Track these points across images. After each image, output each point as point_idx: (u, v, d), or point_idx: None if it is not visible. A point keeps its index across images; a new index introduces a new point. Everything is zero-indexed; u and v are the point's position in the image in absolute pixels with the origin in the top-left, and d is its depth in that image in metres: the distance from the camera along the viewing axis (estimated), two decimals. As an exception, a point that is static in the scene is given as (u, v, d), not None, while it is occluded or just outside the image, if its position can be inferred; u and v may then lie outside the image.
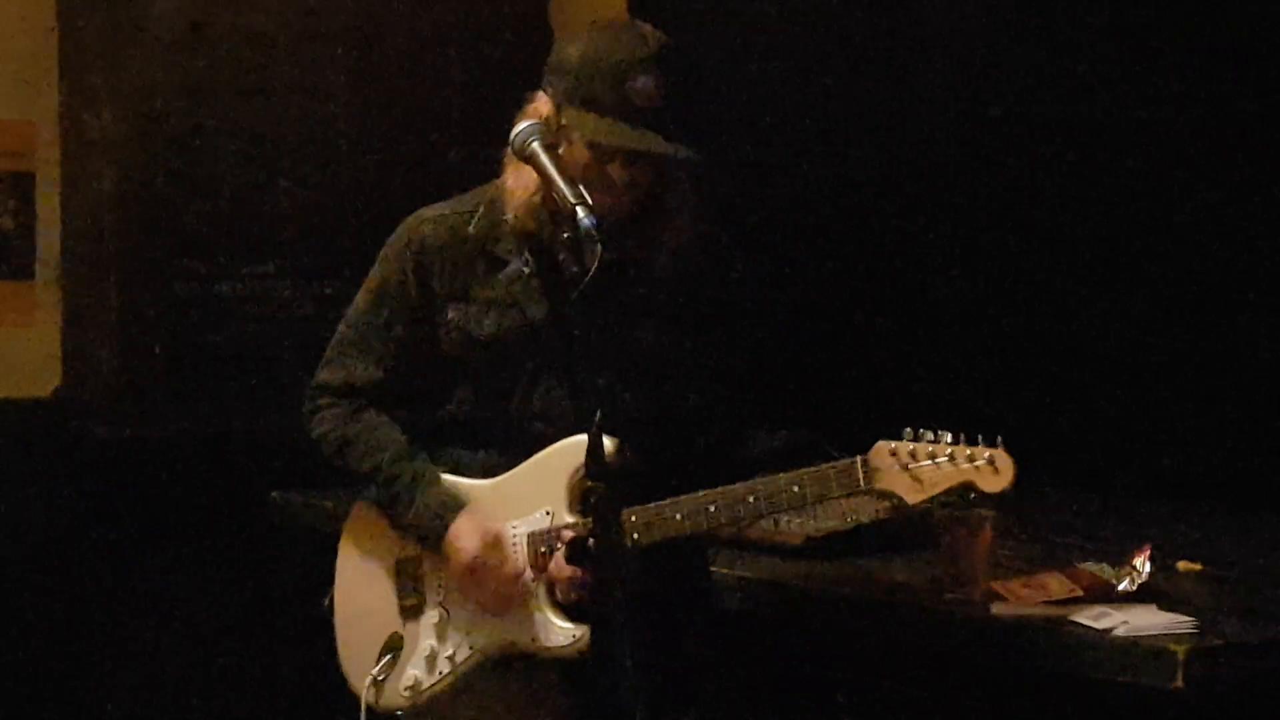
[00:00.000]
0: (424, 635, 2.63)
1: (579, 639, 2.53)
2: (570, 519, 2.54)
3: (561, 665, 2.59)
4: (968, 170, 3.97)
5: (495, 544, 2.56)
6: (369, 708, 2.64)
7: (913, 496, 2.47)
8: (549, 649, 2.55)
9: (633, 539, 2.47)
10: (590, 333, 2.30)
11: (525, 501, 2.57)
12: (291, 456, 4.19)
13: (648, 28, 2.57)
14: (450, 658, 2.62)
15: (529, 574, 2.55)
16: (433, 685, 2.63)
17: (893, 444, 2.48)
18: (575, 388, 2.53)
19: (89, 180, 4.58)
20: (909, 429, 2.49)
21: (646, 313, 2.58)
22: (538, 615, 2.55)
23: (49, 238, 4.60)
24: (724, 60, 4.53)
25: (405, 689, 2.64)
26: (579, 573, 2.49)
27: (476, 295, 2.61)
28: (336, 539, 2.80)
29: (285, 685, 4.33)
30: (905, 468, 2.46)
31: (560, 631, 2.54)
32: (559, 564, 2.51)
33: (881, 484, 2.48)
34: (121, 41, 4.54)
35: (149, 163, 4.59)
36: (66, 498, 4.38)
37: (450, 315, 2.63)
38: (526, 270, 2.58)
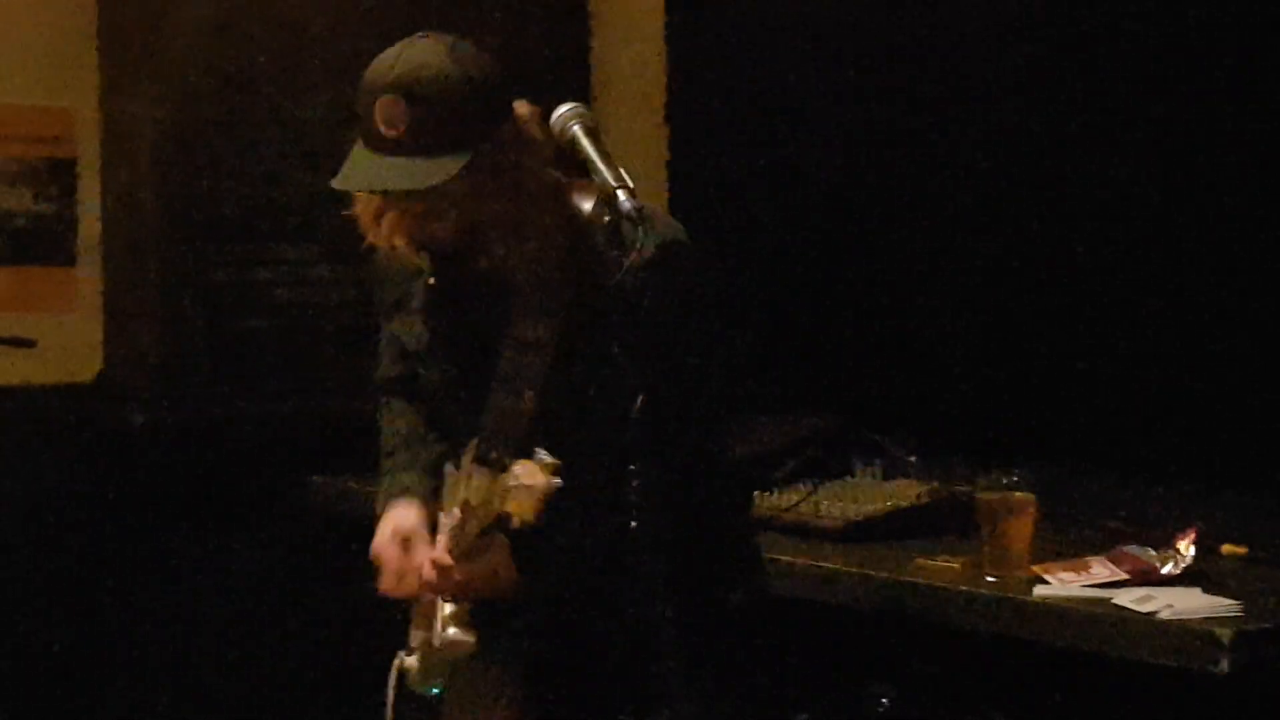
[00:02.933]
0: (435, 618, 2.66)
1: (451, 642, 2.52)
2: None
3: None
4: (1000, 152, 3.94)
5: (398, 539, 2.61)
6: (398, 678, 2.66)
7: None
8: (437, 650, 2.55)
9: None
10: (625, 320, 2.31)
11: (450, 498, 2.58)
12: (330, 440, 4.24)
13: (429, 44, 2.50)
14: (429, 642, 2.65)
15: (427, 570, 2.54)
16: (418, 668, 2.65)
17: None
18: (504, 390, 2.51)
19: (129, 166, 4.59)
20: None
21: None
22: (439, 615, 2.55)
23: (89, 224, 4.61)
24: (755, 55, 4.54)
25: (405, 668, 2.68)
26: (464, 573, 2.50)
27: (408, 305, 2.64)
28: (374, 523, 2.81)
29: (322, 670, 4.35)
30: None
31: (442, 636, 2.53)
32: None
33: None
34: (160, 28, 4.55)
35: (188, 148, 4.59)
36: (107, 482, 4.40)
37: (393, 324, 2.69)
38: (431, 281, 2.58)
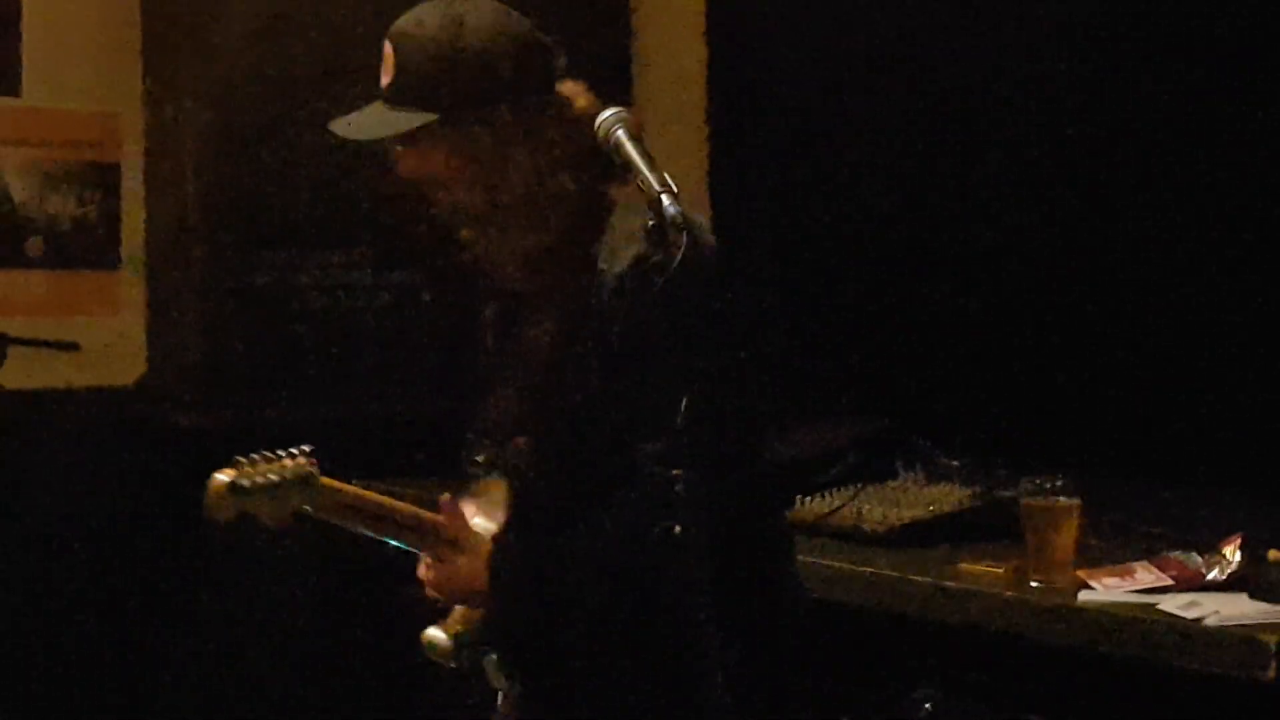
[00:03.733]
0: None
1: (427, 638, 2.54)
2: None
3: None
4: (1050, 157, 3.93)
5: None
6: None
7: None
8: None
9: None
10: (668, 329, 2.26)
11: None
12: (372, 444, 4.25)
13: (445, 5, 2.43)
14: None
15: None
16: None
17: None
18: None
19: (172, 170, 4.62)
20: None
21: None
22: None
23: (133, 227, 4.64)
24: (796, 58, 4.53)
25: None
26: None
27: None
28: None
29: (364, 670, 4.36)
30: None
31: (424, 634, 2.56)
32: None
33: None
34: (203, 33, 4.57)
35: (230, 152, 4.61)
36: (149, 484, 4.42)
37: None
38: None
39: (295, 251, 4.69)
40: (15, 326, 4.12)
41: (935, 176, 4.14)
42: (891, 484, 3.51)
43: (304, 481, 2.42)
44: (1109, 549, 2.99)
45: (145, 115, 4.64)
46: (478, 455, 2.60)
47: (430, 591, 2.55)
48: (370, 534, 2.55)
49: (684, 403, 2.18)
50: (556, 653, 2.45)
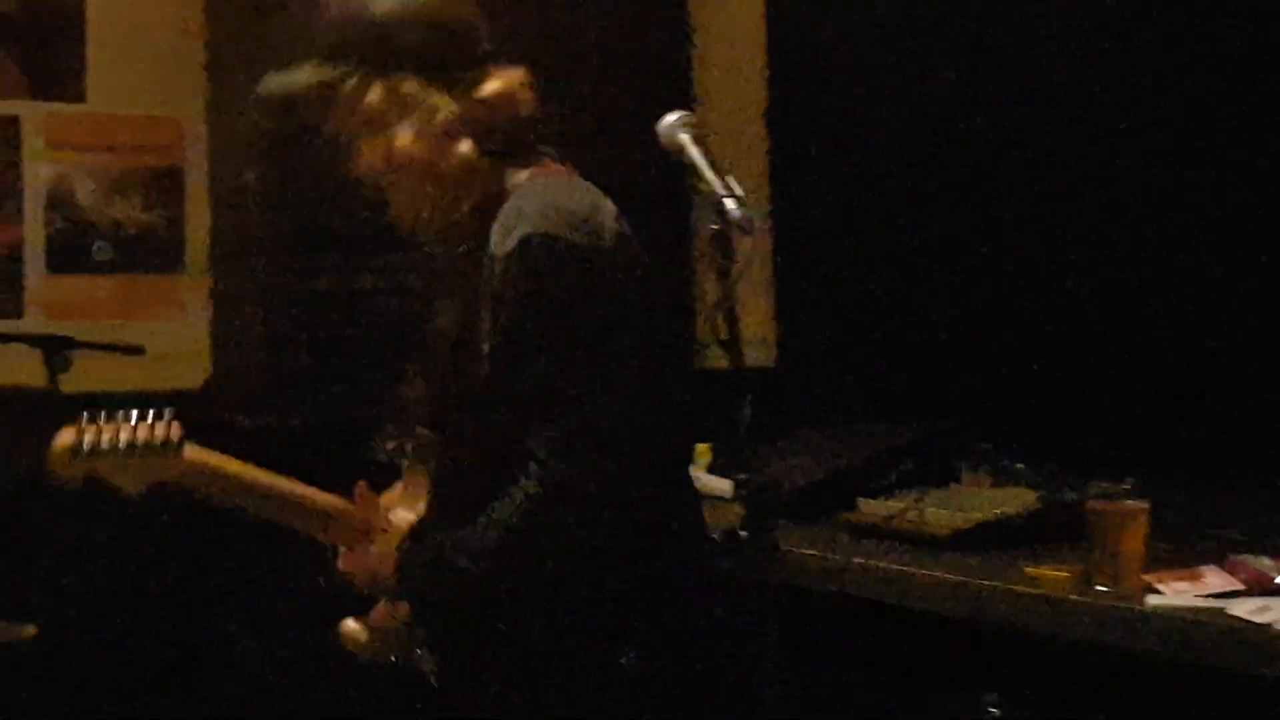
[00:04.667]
0: None
1: (343, 630, 2.60)
2: None
3: None
4: (1113, 158, 3.90)
5: None
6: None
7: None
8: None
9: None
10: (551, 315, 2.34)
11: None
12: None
13: None
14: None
15: None
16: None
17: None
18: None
19: (235, 175, 4.65)
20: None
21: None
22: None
23: (197, 232, 4.67)
24: (856, 57, 4.52)
25: None
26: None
27: None
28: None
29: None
30: None
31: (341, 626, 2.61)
32: None
33: None
34: (266, 37, 4.59)
35: (292, 157, 4.63)
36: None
37: None
38: None
39: (356, 255, 4.71)
40: (81, 330, 4.15)
41: (1001, 175, 4.11)
42: (955, 487, 3.50)
43: (162, 448, 2.42)
44: (1177, 552, 2.96)
45: (209, 120, 4.67)
46: (387, 443, 2.65)
47: (348, 581, 2.59)
48: (260, 515, 2.55)
49: (574, 387, 2.27)
50: (477, 642, 2.47)
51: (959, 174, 4.23)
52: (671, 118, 2.38)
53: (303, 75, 2.49)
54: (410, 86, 2.46)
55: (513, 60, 2.56)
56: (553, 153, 2.57)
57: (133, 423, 2.44)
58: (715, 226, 2.24)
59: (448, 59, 2.48)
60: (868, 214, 4.46)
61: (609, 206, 2.45)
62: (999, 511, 3.24)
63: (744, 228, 2.21)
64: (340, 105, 2.47)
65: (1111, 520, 2.80)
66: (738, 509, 3.52)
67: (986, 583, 2.90)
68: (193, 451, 2.52)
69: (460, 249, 2.53)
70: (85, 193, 4.54)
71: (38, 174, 4.50)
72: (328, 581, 2.65)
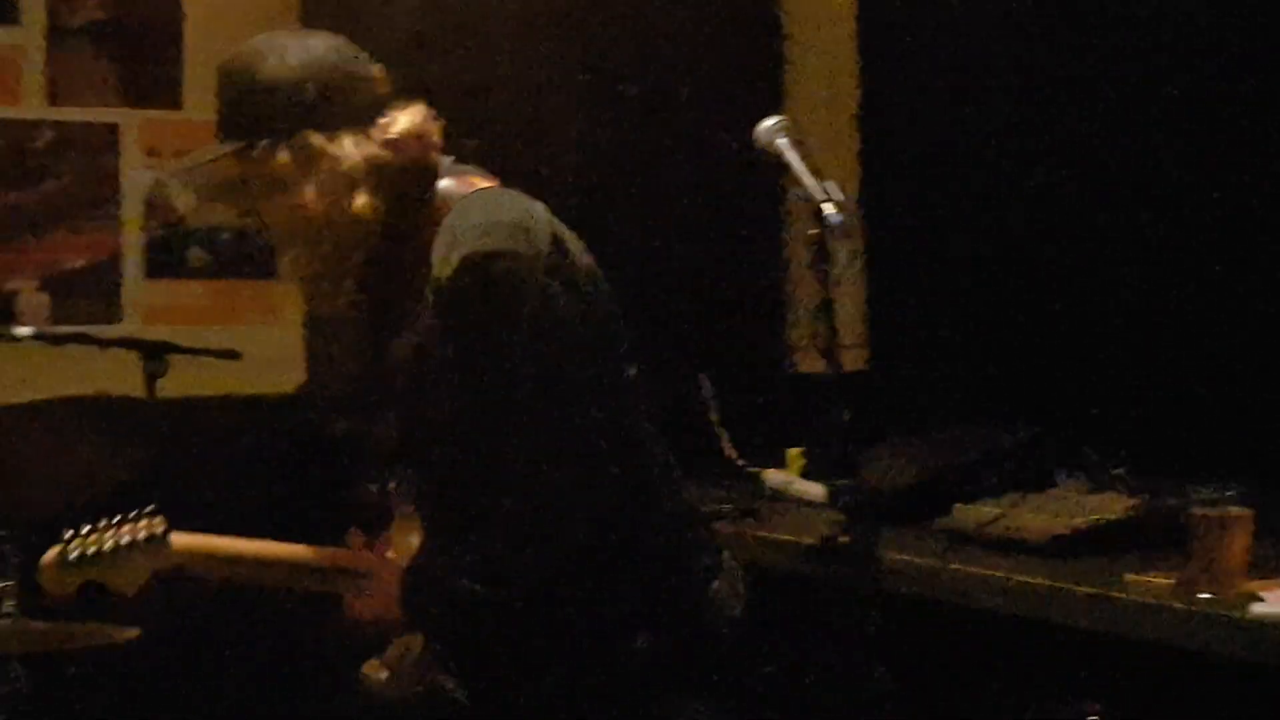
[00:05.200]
0: None
1: (362, 672, 2.60)
2: None
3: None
4: (1211, 159, 3.85)
5: None
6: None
7: None
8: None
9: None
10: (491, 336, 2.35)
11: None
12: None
13: (280, 37, 2.55)
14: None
15: None
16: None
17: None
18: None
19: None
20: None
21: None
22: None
23: (291, 236, 4.71)
24: (948, 58, 4.49)
25: None
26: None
27: None
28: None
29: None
30: None
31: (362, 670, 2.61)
32: None
33: None
34: (355, 43, 4.62)
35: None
36: (310, 490, 4.47)
37: None
38: None
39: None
40: (178, 335, 4.19)
41: (1097, 176, 4.07)
42: (1051, 492, 3.46)
43: (149, 541, 2.47)
44: (1281, 559, 2.92)
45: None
46: (371, 485, 2.66)
47: (358, 628, 2.60)
48: (259, 583, 2.58)
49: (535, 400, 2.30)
50: (494, 673, 2.51)
51: (1054, 173, 4.20)
52: (769, 122, 2.38)
53: (209, 153, 2.53)
54: (316, 139, 2.46)
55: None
56: (474, 170, 2.59)
57: (115, 525, 2.50)
58: (813, 231, 2.25)
59: (347, 106, 2.50)
60: (960, 215, 4.43)
61: (540, 209, 2.47)
62: (1097, 517, 3.21)
63: (843, 232, 2.21)
64: (250, 173, 2.49)
65: (1214, 527, 2.76)
66: (832, 514, 3.51)
67: (1087, 590, 2.87)
68: (180, 539, 2.59)
69: (347, 314, 2.59)
70: (182, 199, 4.59)
71: (135, 181, 4.55)
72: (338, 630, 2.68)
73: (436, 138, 2.55)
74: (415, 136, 2.52)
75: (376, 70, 2.56)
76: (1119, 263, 3.99)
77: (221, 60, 2.53)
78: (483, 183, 2.56)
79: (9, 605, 3.59)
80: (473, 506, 2.40)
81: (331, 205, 2.47)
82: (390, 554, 2.60)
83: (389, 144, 2.49)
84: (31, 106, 4.48)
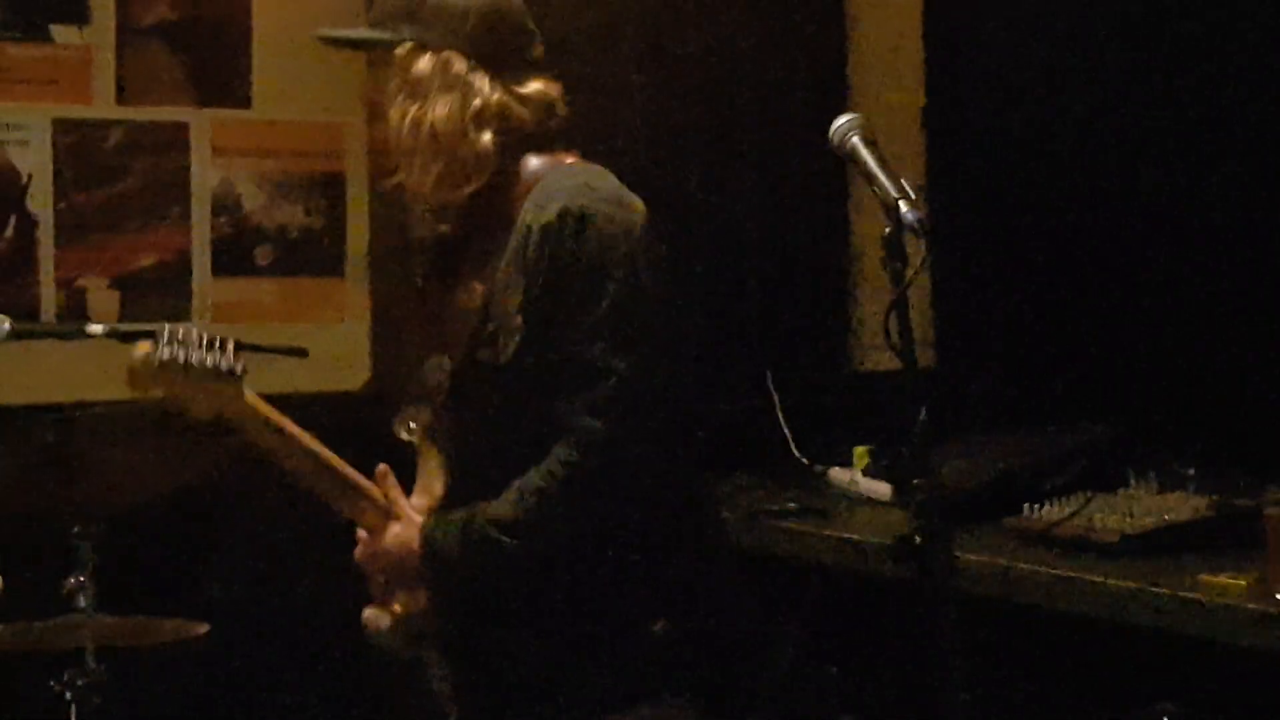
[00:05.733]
0: None
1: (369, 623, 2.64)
2: None
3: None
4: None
5: None
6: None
7: None
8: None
9: None
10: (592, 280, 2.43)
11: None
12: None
13: None
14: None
15: None
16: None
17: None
18: None
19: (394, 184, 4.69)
20: None
21: None
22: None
23: (357, 236, 4.73)
24: (1014, 59, 4.46)
25: None
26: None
27: None
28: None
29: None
30: None
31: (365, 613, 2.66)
32: None
33: None
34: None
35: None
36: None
37: None
38: None
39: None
40: (246, 333, 4.20)
41: (1165, 172, 4.03)
42: (1122, 492, 3.44)
43: (227, 375, 2.55)
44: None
45: (369, 126, 4.71)
46: (410, 423, 2.73)
47: (367, 571, 2.65)
48: (295, 473, 2.65)
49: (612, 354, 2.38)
50: (495, 638, 2.54)
51: (1122, 171, 4.16)
52: (843, 120, 2.38)
53: (356, 32, 2.67)
54: (460, 65, 2.56)
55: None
56: (569, 149, 2.68)
57: (201, 344, 2.55)
58: (888, 229, 2.23)
59: (498, 50, 2.60)
60: (1028, 213, 4.39)
61: (631, 195, 2.57)
62: (1170, 517, 3.18)
63: (918, 230, 2.20)
64: (394, 67, 2.58)
65: (1290, 526, 2.73)
66: (900, 514, 3.50)
67: (1162, 590, 2.85)
68: (251, 396, 2.64)
69: (443, 229, 2.69)
70: (250, 197, 4.62)
71: (204, 179, 4.58)
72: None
73: (560, 115, 2.65)
74: (546, 104, 2.61)
75: (538, 41, 2.66)
76: (1191, 258, 3.95)
77: None
78: (571, 160, 2.64)
79: (85, 600, 3.63)
80: (513, 454, 2.45)
81: (456, 131, 2.54)
82: (413, 499, 2.64)
83: (522, 99, 2.59)
84: (101, 106, 4.51)
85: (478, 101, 2.56)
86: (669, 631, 2.50)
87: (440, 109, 2.55)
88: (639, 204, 2.55)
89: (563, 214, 2.46)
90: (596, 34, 4.80)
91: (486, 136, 2.56)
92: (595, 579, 2.49)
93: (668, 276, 2.55)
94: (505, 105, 2.57)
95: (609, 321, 2.42)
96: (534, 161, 2.60)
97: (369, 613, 2.67)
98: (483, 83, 2.57)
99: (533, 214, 2.49)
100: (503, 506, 2.46)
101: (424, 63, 2.56)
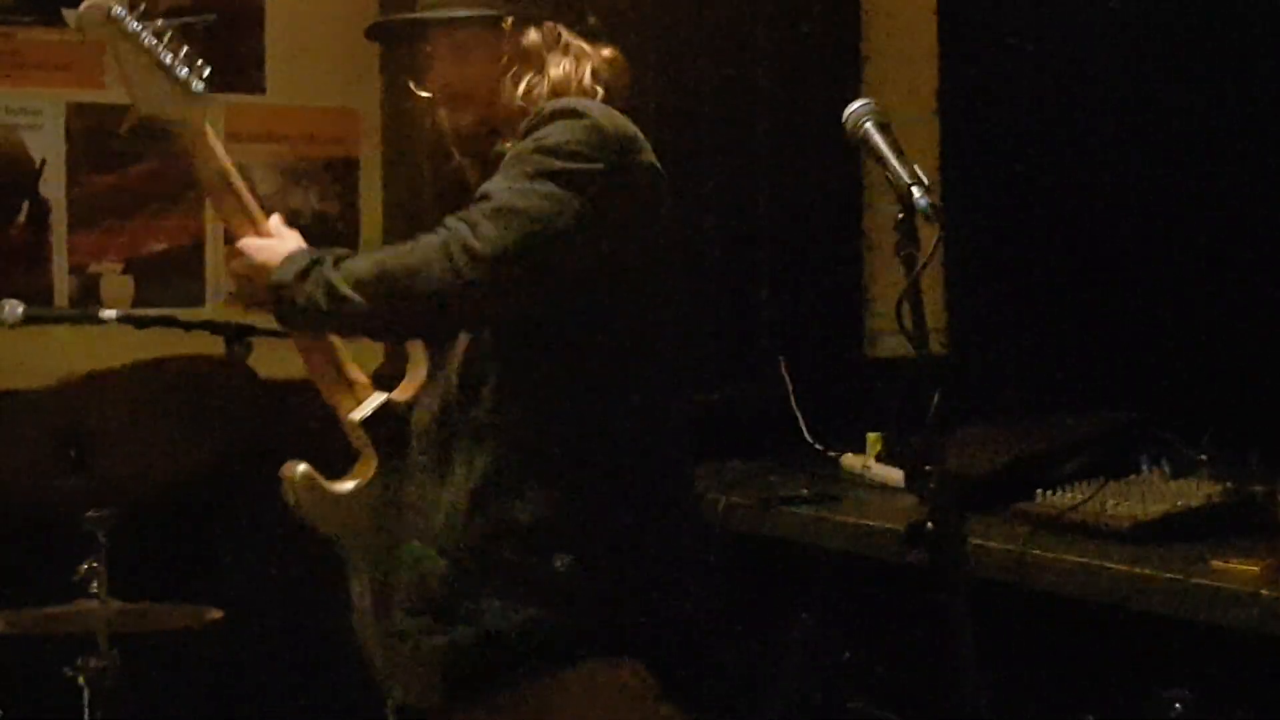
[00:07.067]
0: None
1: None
2: None
3: None
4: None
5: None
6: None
7: None
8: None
9: None
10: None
11: None
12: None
13: None
14: None
15: None
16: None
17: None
18: None
19: (408, 167, 4.70)
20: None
21: None
22: None
23: (371, 221, 4.74)
24: (1028, 45, 4.45)
25: None
26: None
27: None
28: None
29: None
30: None
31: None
32: None
33: None
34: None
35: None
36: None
37: None
38: None
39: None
40: (261, 318, 4.22)
41: (1180, 159, 4.02)
42: (1134, 478, 3.43)
43: (185, 84, 2.71)
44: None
45: (383, 114, 4.73)
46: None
47: (230, 268, 2.78)
48: (210, 195, 2.78)
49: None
50: (451, 591, 2.57)
51: (1136, 157, 4.15)
52: (857, 105, 2.37)
53: (455, 8, 2.69)
54: (566, 34, 2.67)
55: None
56: None
57: (173, 36, 2.70)
58: (900, 215, 2.23)
59: (579, 18, 2.73)
60: (1041, 199, 4.39)
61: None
62: (1182, 503, 3.18)
63: (930, 215, 2.20)
64: (505, 40, 2.64)
65: (1302, 512, 2.74)
66: (912, 499, 3.51)
67: (1170, 576, 2.85)
68: (210, 133, 2.79)
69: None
70: (264, 183, 4.62)
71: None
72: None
73: (623, 87, 2.73)
74: (620, 71, 2.73)
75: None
76: (1204, 245, 3.94)
77: None
78: None
79: (98, 586, 3.64)
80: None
81: (576, 92, 2.63)
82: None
83: (610, 62, 2.71)
84: (114, 91, 4.51)
85: (589, 64, 2.67)
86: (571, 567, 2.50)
87: (557, 71, 2.65)
88: (627, 125, 2.61)
89: (554, 110, 2.55)
90: (611, 20, 4.79)
91: (600, 94, 2.66)
92: (555, 534, 2.51)
93: (677, 241, 2.69)
94: (607, 64, 2.70)
95: (546, 170, 2.48)
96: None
97: (286, 468, 2.81)
98: (586, 47, 2.69)
99: (528, 121, 2.58)
100: (361, 264, 2.55)
101: (533, 34, 2.65)
